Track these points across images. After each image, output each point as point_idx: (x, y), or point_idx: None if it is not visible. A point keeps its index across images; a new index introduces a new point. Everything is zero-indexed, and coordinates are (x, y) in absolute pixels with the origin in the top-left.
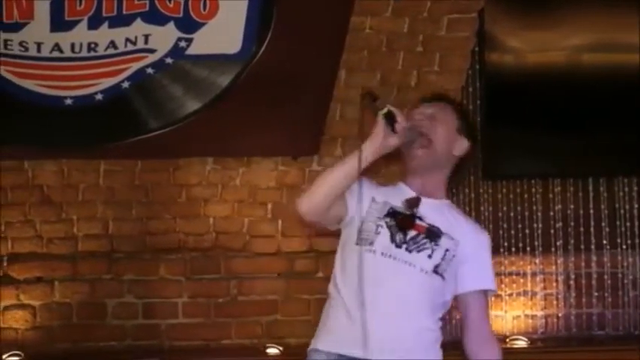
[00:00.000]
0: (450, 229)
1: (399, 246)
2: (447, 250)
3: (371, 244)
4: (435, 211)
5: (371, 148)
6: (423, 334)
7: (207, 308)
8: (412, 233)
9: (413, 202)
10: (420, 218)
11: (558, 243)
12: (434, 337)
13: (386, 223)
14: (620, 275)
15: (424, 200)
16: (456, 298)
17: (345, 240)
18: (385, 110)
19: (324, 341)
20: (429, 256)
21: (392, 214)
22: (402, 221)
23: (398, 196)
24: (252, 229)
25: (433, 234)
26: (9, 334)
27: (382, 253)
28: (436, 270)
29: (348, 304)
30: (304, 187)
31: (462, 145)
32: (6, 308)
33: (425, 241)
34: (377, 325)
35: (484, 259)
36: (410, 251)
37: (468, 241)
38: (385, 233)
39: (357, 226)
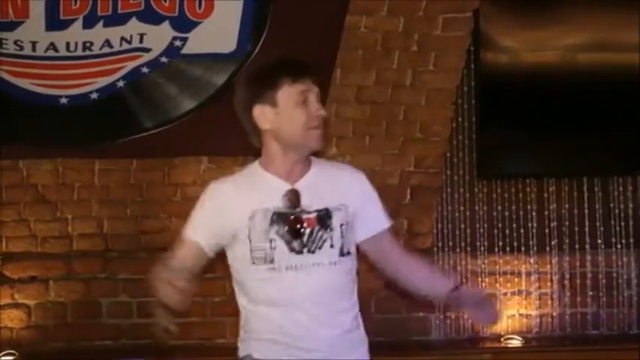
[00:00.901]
0: (334, 197)
1: (300, 252)
2: (341, 225)
3: (271, 261)
4: (312, 190)
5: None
6: (354, 320)
7: (203, 307)
8: (307, 231)
9: (294, 200)
10: (305, 210)
11: (553, 242)
12: (356, 315)
13: (277, 233)
14: (614, 275)
15: (299, 186)
16: (359, 246)
17: (237, 258)
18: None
19: (258, 350)
20: (331, 246)
21: (277, 220)
22: (292, 228)
23: (271, 192)
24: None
25: (324, 220)
26: (3, 333)
27: (286, 267)
28: (342, 252)
29: (270, 319)
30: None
31: None
32: (0, 307)
33: (321, 232)
34: (310, 336)
35: (372, 201)
36: (313, 252)
37: (353, 196)
38: (281, 246)
39: (247, 246)
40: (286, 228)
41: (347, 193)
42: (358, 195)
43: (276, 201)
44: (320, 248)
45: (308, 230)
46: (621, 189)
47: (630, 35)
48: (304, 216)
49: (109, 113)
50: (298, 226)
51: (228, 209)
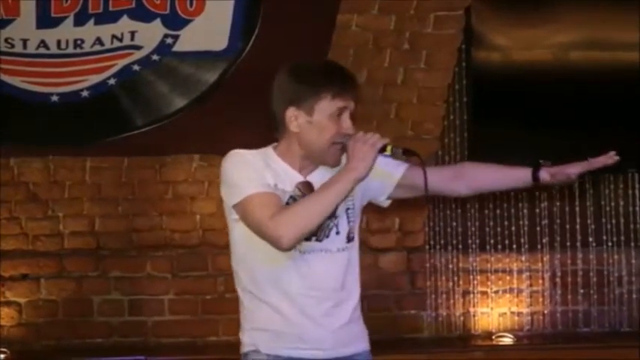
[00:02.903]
0: None
1: (307, 239)
2: (347, 209)
3: None
4: (316, 180)
5: (361, 177)
6: (357, 310)
7: (194, 305)
8: None
9: (305, 191)
10: None
11: (544, 240)
12: (358, 305)
13: None
14: (605, 272)
15: (312, 179)
16: (398, 188)
17: (249, 235)
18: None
19: (263, 343)
20: (337, 233)
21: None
22: None
23: (283, 177)
24: None
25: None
26: None
27: (298, 250)
28: (349, 238)
29: (276, 306)
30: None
31: None
32: None
33: (328, 221)
34: (317, 325)
35: (378, 163)
36: (320, 240)
37: None
38: None
39: None
40: None
41: None
42: None
43: (289, 188)
44: (327, 236)
45: None
46: (612, 187)
47: (622, 33)
48: None
49: (100, 111)
50: None
51: (262, 174)
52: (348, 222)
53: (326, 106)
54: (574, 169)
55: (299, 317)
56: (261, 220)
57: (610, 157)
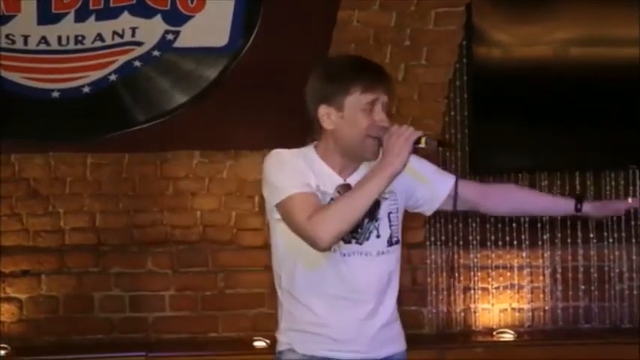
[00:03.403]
0: None
1: (348, 241)
2: (389, 213)
3: None
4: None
5: (397, 172)
6: (394, 312)
7: (195, 301)
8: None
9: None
10: None
11: (545, 236)
12: (395, 306)
13: None
14: (606, 268)
15: (352, 181)
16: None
17: (291, 236)
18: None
19: (299, 343)
20: (378, 236)
21: None
22: None
23: (324, 179)
24: (239, 222)
25: (371, 210)
26: None
27: (340, 253)
28: (391, 241)
29: (314, 309)
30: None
31: None
32: None
33: (368, 224)
34: (353, 327)
35: (429, 170)
36: (361, 243)
37: (400, 179)
38: None
39: None
40: None
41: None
42: (404, 178)
43: (330, 190)
44: (367, 239)
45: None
46: (613, 183)
47: (622, 29)
48: None
49: (100, 107)
50: None
51: (304, 174)
52: (390, 225)
53: (356, 100)
54: (621, 206)
55: (337, 319)
56: (299, 221)
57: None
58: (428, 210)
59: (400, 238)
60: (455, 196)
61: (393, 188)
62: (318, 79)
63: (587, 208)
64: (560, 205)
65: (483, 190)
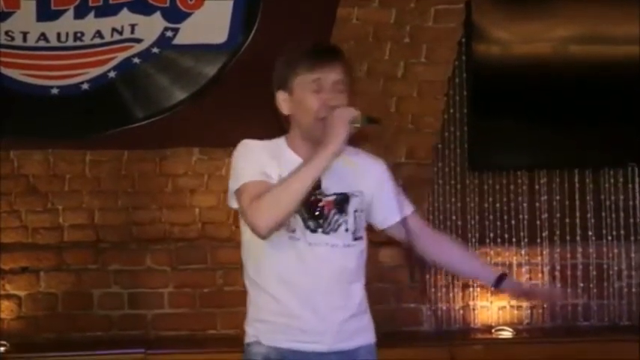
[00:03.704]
0: (352, 183)
1: (314, 231)
2: (355, 211)
3: (293, 230)
4: (332, 174)
5: (336, 151)
6: (362, 304)
7: (193, 298)
8: (323, 213)
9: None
10: (323, 193)
11: (544, 234)
12: (363, 298)
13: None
14: (605, 266)
15: None
16: (383, 231)
17: None
18: (364, 118)
19: (265, 334)
20: (346, 230)
21: None
22: (309, 209)
23: (291, 169)
24: (238, 220)
25: (341, 203)
26: None
27: (304, 241)
28: (355, 236)
29: (280, 298)
30: (251, 202)
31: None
32: None
33: (337, 216)
34: (320, 318)
35: (386, 191)
36: (327, 233)
37: (369, 185)
38: (297, 221)
39: None
40: (304, 207)
41: (364, 180)
42: (373, 184)
43: None
44: (335, 231)
45: (325, 211)
46: (612, 181)
47: (622, 27)
48: (322, 198)
49: (100, 104)
50: (314, 207)
51: (264, 163)
52: (354, 222)
53: (302, 80)
54: (539, 296)
55: (301, 310)
56: (244, 207)
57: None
58: (378, 223)
59: (364, 235)
60: (406, 225)
61: (362, 189)
62: (276, 67)
63: (507, 285)
64: (484, 276)
65: (425, 232)
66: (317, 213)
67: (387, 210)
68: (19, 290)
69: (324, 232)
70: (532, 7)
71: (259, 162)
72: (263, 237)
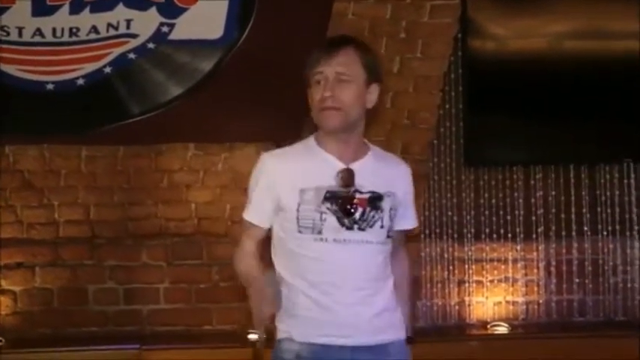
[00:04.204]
0: (385, 183)
1: (350, 228)
2: (390, 209)
3: (319, 232)
4: (367, 173)
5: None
6: (393, 300)
7: (189, 294)
8: (359, 210)
9: (347, 180)
10: (358, 191)
11: (539, 230)
12: (392, 294)
13: (328, 209)
14: (600, 262)
15: (354, 167)
16: None
17: (284, 225)
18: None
19: (297, 330)
20: (382, 227)
21: (330, 198)
22: (345, 206)
23: (324, 170)
24: (234, 215)
25: (376, 201)
26: None
27: (335, 240)
28: (388, 234)
29: (310, 294)
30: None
31: (373, 95)
32: None
33: (372, 213)
34: (352, 312)
35: (410, 199)
36: (363, 229)
37: (399, 187)
38: (331, 220)
39: (294, 215)
40: (338, 206)
41: (396, 182)
42: (402, 188)
43: (330, 178)
44: (371, 227)
45: (360, 210)
46: (608, 176)
47: (617, 23)
48: (357, 195)
49: (95, 99)
50: (349, 206)
51: (278, 183)
52: (390, 219)
53: (311, 75)
54: None
55: (332, 304)
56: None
57: None
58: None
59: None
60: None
61: (394, 190)
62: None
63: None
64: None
65: (395, 252)
66: (351, 211)
67: (405, 215)
68: (15, 286)
69: (360, 229)
70: (527, 2)
71: (269, 190)
72: None
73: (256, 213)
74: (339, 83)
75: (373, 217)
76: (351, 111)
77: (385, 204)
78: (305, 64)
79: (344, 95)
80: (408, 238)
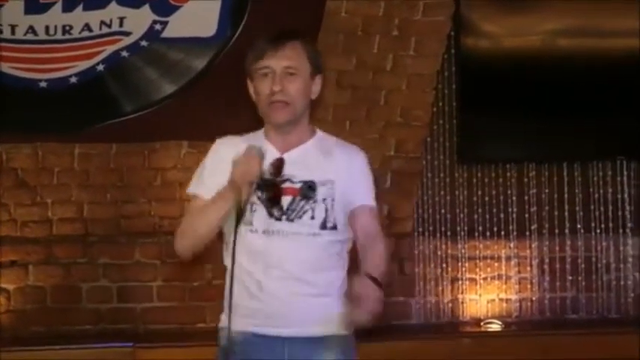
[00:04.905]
0: (323, 172)
1: (278, 219)
2: (324, 199)
3: (250, 223)
4: (302, 162)
5: (248, 187)
6: (333, 294)
7: (182, 292)
8: (288, 199)
9: (277, 168)
10: (290, 180)
11: (533, 227)
12: (341, 285)
13: (258, 198)
14: (593, 259)
15: (289, 156)
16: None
17: (225, 219)
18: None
19: (233, 318)
20: (312, 217)
21: (262, 186)
22: (272, 195)
23: (268, 157)
24: None
25: (308, 191)
26: None
27: (264, 231)
28: (324, 225)
29: (244, 283)
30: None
31: (317, 87)
32: None
33: (302, 203)
34: (282, 302)
35: (361, 179)
36: (292, 220)
37: (340, 173)
38: (261, 210)
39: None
40: (267, 195)
41: (336, 169)
42: (345, 172)
43: (265, 168)
44: (300, 218)
45: (289, 199)
46: (601, 174)
47: (611, 21)
48: (288, 185)
49: (88, 97)
50: (276, 194)
51: (224, 169)
52: (325, 210)
53: (255, 68)
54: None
55: (261, 294)
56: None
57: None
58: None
59: (339, 226)
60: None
61: (333, 177)
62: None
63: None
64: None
65: (363, 234)
66: (277, 199)
67: (356, 193)
68: (8, 284)
69: (289, 220)
70: (521, 0)
71: (217, 169)
72: (184, 258)
73: (201, 185)
74: (286, 77)
75: (303, 206)
76: (298, 104)
77: (319, 194)
78: (247, 56)
79: (292, 89)
80: (401, 235)
